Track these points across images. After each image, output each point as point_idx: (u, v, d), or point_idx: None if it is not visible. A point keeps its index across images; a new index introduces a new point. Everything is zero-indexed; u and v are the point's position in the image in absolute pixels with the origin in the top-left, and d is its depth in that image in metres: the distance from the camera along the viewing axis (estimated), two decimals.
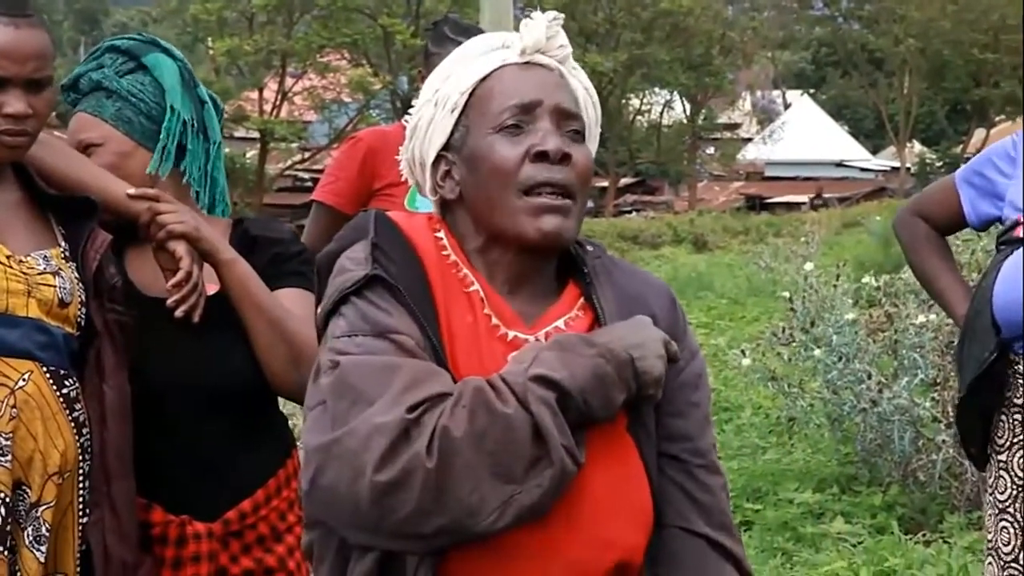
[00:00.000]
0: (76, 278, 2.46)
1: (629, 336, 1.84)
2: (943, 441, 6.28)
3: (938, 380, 6.52)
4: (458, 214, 1.99)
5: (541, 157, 1.90)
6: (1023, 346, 3.14)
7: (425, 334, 1.84)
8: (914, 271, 3.65)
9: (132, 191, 2.55)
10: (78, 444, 2.43)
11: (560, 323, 1.95)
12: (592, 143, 2.03)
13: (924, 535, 5.97)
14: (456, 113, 1.97)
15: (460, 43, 4.16)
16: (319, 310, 1.94)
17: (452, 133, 1.98)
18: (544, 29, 1.99)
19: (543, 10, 2.02)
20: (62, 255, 2.47)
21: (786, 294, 8.32)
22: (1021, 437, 3.15)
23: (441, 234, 1.99)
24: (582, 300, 2.00)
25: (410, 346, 1.81)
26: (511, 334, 1.92)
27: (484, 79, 1.97)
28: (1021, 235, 3.15)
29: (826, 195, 41.85)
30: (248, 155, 38.19)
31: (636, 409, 1.91)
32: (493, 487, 1.72)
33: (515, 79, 1.96)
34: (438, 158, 1.99)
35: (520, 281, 1.96)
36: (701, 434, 2.00)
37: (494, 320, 1.92)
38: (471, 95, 1.97)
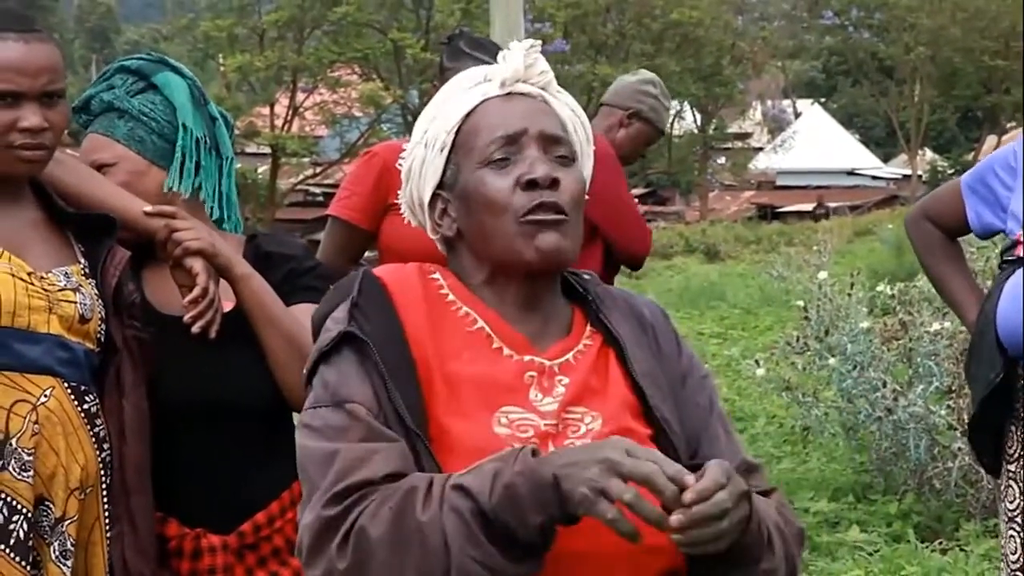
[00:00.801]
0: (96, 294, 2.47)
1: (569, 456, 1.72)
2: (959, 449, 6.27)
3: (953, 388, 6.51)
4: (460, 250, 2.02)
5: (531, 185, 1.93)
6: None
7: (389, 394, 1.85)
8: (927, 275, 3.67)
9: (149, 208, 2.57)
10: (99, 459, 2.45)
11: (570, 357, 1.97)
12: (586, 162, 2.05)
13: (940, 543, 5.96)
14: (445, 152, 2.00)
15: (476, 57, 4.22)
16: (304, 371, 1.97)
17: (444, 172, 2.01)
18: (522, 58, 2.01)
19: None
20: (82, 272, 2.49)
21: (799, 303, 8.31)
22: None
23: (437, 275, 2.01)
24: (589, 326, 2.02)
25: (361, 415, 1.84)
26: (525, 358, 1.94)
27: (468, 115, 2.00)
28: (1022, 254, 3.16)
29: (836, 204, 41.78)
30: (260, 170, 38.24)
31: (657, 419, 1.94)
32: None
33: (498, 112, 1.98)
34: (434, 197, 2.02)
35: (530, 307, 1.98)
36: (732, 445, 2.03)
37: (506, 351, 1.94)
38: (457, 132, 1.99)
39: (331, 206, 4.24)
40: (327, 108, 39.03)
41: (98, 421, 2.46)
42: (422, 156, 2.03)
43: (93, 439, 2.44)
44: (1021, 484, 3.18)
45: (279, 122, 38.97)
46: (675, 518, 1.68)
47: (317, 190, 42.86)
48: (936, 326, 6.77)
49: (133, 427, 2.49)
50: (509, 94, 2.01)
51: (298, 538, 1.84)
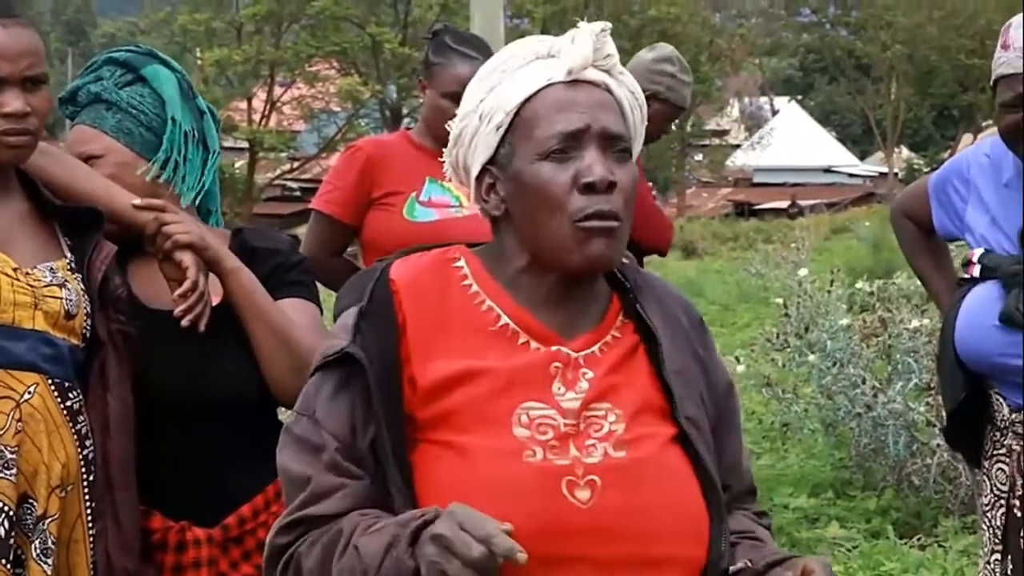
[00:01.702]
0: (82, 289, 2.46)
1: (431, 530, 1.72)
2: (937, 445, 6.30)
3: (932, 385, 6.53)
4: (504, 230, 1.98)
5: (588, 188, 1.89)
6: (993, 380, 3.18)
7: (375, 418, 1.87)
8: (911, 269, 3.73)
9: (138, 201, 2.56)
10: (81, 457, 2.43)
11: (596, 348, 1.96)
12: (637, 144, 2.02)
13: (919, 539, 5.99)
14: (501, 131, 1.95)
15: (462, 53, 4.22)
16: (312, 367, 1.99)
17: (497, 149, 1.96)
18: (591, 45, 1.95)
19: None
20: (68, 266, 2.48)
21: (778, 300, 8.34)
22: (1001, 451, 3.19)
23: (462, 263, 1.99)
24: (622, 316, 2.00)
25: (331, 447, 1.88)
26: (552, 348, 1.92)
27: (529, 99, 1.94)
28: (975, 274, 3.19)
29: (813, 201, 41.90)
30: (237, 165, 38.13)
31: (684, 419, 1.94)
32: None
33: (561, 103, 1.93)
34: (483, 171, 1.98)
35: (565, 299, 1.96)
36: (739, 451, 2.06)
37: (533, 344, 1.93)
38: (516, 115, 1.94)
39: (314, 200, 4.24)
40: (305, 102, 38.95)
41: (80, 418, 2.44)
42: (475, 127, 1.98)
43: (75, 436, 2.43)
44: (993, 483, 3.23)
45: (257, 116, 38.88)
46: None
47: (295, 185, 42.76)
48: (915, 323, 6.80)
49: (118, 421, 2.47)
50: (574, 81, 1.94)
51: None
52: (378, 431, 1.86)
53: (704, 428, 1.96)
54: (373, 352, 1.88)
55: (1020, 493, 3.13)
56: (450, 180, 2.11)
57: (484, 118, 1.96)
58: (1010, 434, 3.14)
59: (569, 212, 1.88)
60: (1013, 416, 3.13)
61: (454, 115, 4.32)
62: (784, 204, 42.35)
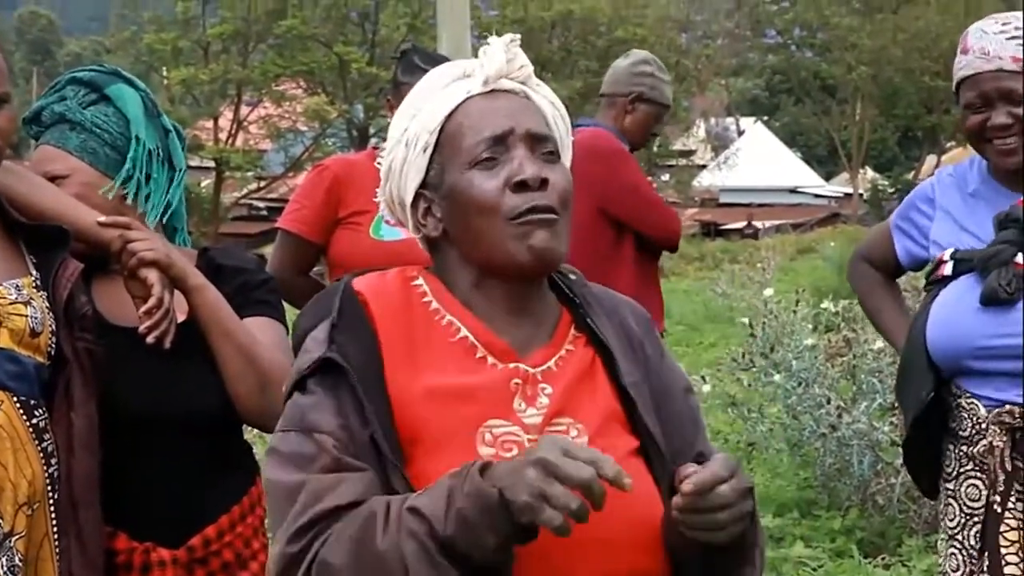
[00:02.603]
0: (47, 307, 2.45)
1: (513, 464, 1.70)
2: (901, 465, 6.31)
3: (896, 405, 6.57)
4: (445, 251, 1.99)
5: (521, 186, 1.90)
6: (965, 381, 3.18)
7: (366, 420, 1.84)
8: (864, 310, 3.75)
9: (103, 219, 2.55)
10: (47, 474, 2.42)
11: (552, 363, 1.95)
12: (566, 155, 2.03)
13: (883, 558, 6.01)
14: (428, 152, 1.97)
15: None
16: (284, 389, 1.95)
17: (427, 171, 1.97)
18: (503, 54, 1.98)
19: (499, 36, 2.03)
20: (33, 284, 2.47)
21: (744, 320, 8.36)
22: (968, 467, 3.18)
23: (420, 281, 1.99)
24: (574, 330, 2.01)
25: (327, 446, 1.83)
26: (510, 365, 1.92)
27: (451, 115, 1.96)
28: (945, 273, 3.20)
29: (779, 221, 42.06)
30: (203, 184, 38.06)
31: (644, 431, 1.94)
32: None
33: (482, 111, 1.95)
34: (417, 196, 1.99)
35: (519, 311, 1.96)
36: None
37: (490, 359, 1.92)
38: (440, 132, 1.96)
39: (281, 219, 4.24)
40: (272, 122, 38.91)
41: (46, 436, 2.43)
42: (403, 155, 1.99)
43: (41, 454, 2.42)
44: (960, 502, 3.21)
45: (223, 136, 38.81)
46: (674, 501, 1.73)
47: (261, 204, 42.70)
48: (880, 343, 6.83)
49: (82, 440, 2.46)
50: (492, 91, 1.98)
51: (267, 571, 1.87)
52: (374, 431, 1.83)
53: (661, 443, 1.95)
54: (354, 358, 1.87)
55: (1002, 489, 3.11)
56: (370, 208, 2.11)
57: (410, 144, 1.98)
58: (991, 430, 3.11)
59: (504, 212, 1.90)
60: (993, 412, 3.12)
61: None
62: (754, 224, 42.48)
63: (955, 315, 3.13)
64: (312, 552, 1.77)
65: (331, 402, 1.87)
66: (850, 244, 22.60)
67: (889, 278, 3.59)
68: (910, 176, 48.79)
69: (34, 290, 2.46)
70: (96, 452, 2.49)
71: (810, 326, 8.09)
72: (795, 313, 7.74)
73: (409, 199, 2.00)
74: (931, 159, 47.46)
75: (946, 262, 3.20)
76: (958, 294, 3.14)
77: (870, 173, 52.37)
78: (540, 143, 1.95)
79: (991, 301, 3.07)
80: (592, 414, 1.94)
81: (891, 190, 49.29)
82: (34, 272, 2.49)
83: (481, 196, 1.91)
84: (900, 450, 6.20)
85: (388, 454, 1.83)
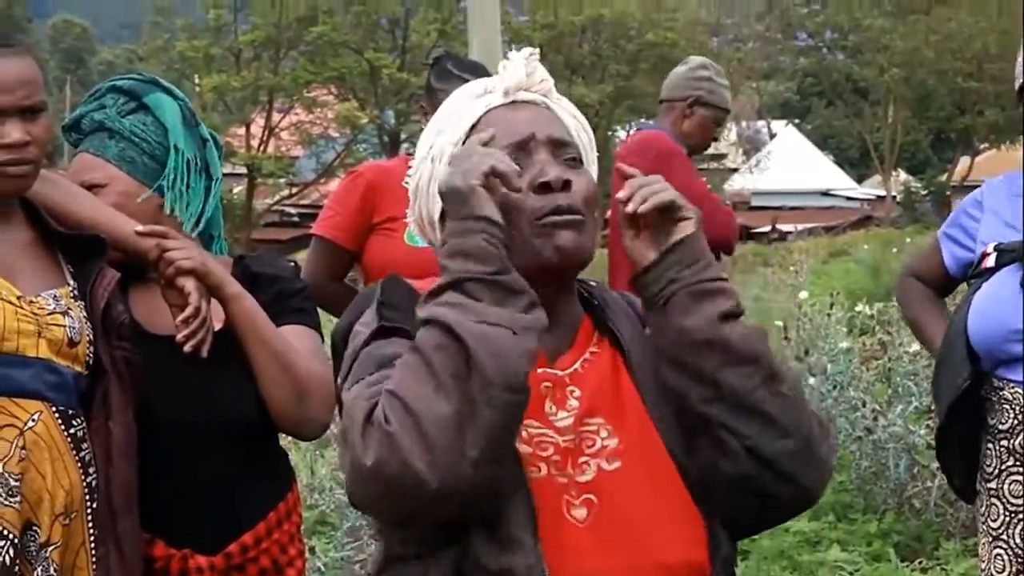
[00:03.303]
0: (84, 317, 2.46)
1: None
2: (938, 468, 6.28)
3: (932, 407, 6.53)
4: None
5: (544, 188, 1.91)
6: (1006, 370, 3.16)
7: None
8: (910, 326, 3.74)
9: (141, 228, 2.56)
10: (84, 484, 2.43)
11: (578, 366, 1.97)
12: (592, 167, 2.04)
13: (920, 562, 5.98)
14: None
15: (465, 79, 4.25)
16: (338, 380, 1.94)
17: None
18: (523, 67, 2.01)
19: (531, 42, 2.04)
20: (71, 294, 2.48)
21: (778, 323, 8.34)
22: (1009, 463, 3.17)
23: None
24: (597, 333, 2.02)
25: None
26: (539, 370, 1.91)
27: (474, 127, 1.99)
28: (989, 265, 3.19)
29: (811, 225, 41.90)
30: (235, 191, 38.21)
31: (657, 423, 1.94)
32: (446, 400, 1.72)
33: (504, 120, 1.98)
34: (443, 213, 1.95)
35: (549, 315, 1.93)
36: None
37: None
38: (463, 144, 1.98)
39: (315, 225, 4.25)
40: (303, 128, 39.05)
41: (84, 445, 2.44)
42: (429, 172, 2.01)
43: (79, 464, 2.43)
44: (1003, 500, 3.19)
45: (255, 142, 38.94)
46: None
47: (293, 210, 42.81)
48: (915, 346, 6.81)
49: (120, 448, 2.47)
50: (513, 102, 2.01)
51: (343, 422, 1.80)
52: None
53: (673, 433, 1.95)
54: (409, 327, 1.86)
55: None
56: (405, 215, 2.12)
57: (435, 160, 2.00)
58: None
59: (528, 214, 1.90)
60: None
61: None
62: (783, 228, 42.36)
63: (996, 301, 3.13)
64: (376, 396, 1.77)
65: (403, 340, 1.85)
66: (883, 247, 22.53)
67: (937, 293, 3.57)
68: (943, 178, 48.57)
69: (72, 300, 2.47)
70: (134, 461, 2.50)
71: (845, 329, 8.06)
72: (829, 316, 7.71)
73: (437, 215, 1.99)
74: (964, 161, 47.25)
75: (989, 254, 3.20)
76: (999, 282, 3.14)
77: (903, 175, 52.12)
78: (561, 148, 1.98)
79: None
80: (619, 412, 1.95)
81: (924, 192, 49.03)
82: (72, 282, 2.50)
83: (506, 201, 1.90)
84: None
85: None
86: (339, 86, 38.82)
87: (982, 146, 47.39)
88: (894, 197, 47.85)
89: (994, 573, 3.22)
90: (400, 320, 1.88)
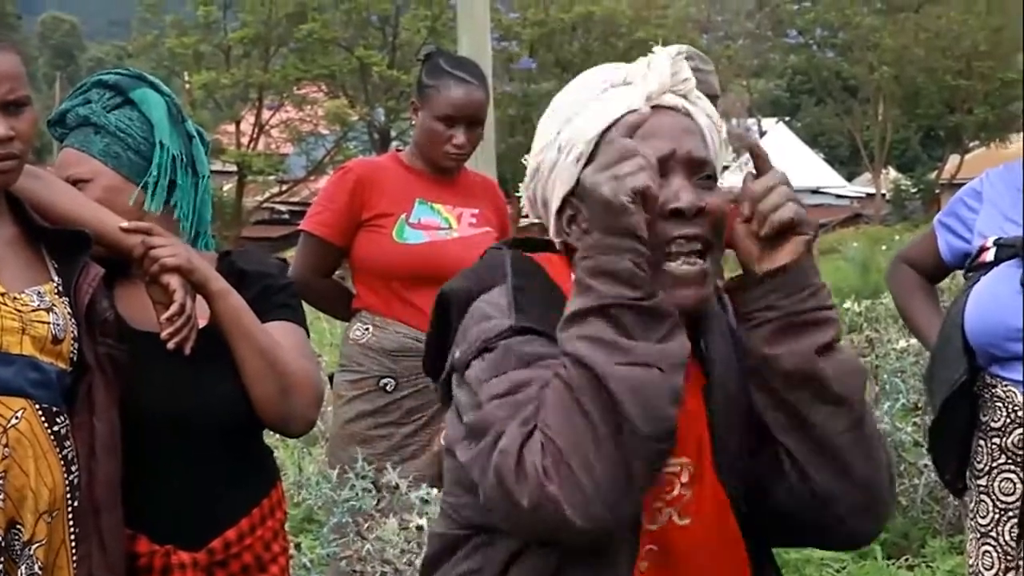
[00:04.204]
0: (69, 313, 2.45)
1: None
2: (924, 466, 6.30)
3: (919, 405, 6.55)
4: None
5: (676, 215, 1.84)
6: (1000, 368, 3.17)
7: None
8: (900, 312, 3.72)
9: (125, 225, 2.56)
10: (67, 482, 2.43)
11: None
12: (721, 172, 1.99)
13: (907, 559, 5.99)
14: (582, 163, 1.90)
15: (456, 76, 4.28)
16: (456, 353, 1.88)
17: (578, 180, 1.89)
18: (669, 68, 1.93)
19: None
20: (55, 290, 2.47)
21: None
22: (1001, 461, 3.17)
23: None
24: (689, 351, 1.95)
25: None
26: None
27: (609, 127, 1.90)
28: (988, 259, 3.19)
29: None
30: (225, 188, 38.16)
31: (723, 467, 1.90)
32: (599, 448, 1.68)
33: (643, 130, 1.87)
34: (563, 203, 1.94)
35: None
36: None
37: None
38: (596, 144, 1.90)
39: (304, 221, 4.26)
40: (293, 125, 39.02)
41: (67, 443, 2.43)
42: (554, 159, 1.94)
43: (61, 462, 2.42)
44: (993, 498, 3.19)
45: (245, 140, 38.90)
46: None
47: (283, 208, 42.75)
48: (902, 343, 6.83)
49: (104, 444, 2.47)
50: (654, 107, 1.91)
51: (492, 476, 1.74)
52: None
53: (735, 461, 1.92)
54: (545, 322, 1.82)
55: None
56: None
57: (563, 150, 1.92)
58: None
59: (653, 237, 1.82)
60: None
61: (447, 137, 4.35)
62: None
63: (994, 298, 3.13)
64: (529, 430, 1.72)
65: (545, 345, 1.81)
66: (873, 244, 22.55)
67: (927, 280, 3.57)
68: (933, 176, 48.61)
69: (56, 296, 2.46)
70: (118, 457, 2.50)
71: None
72: None
73: (555, 205, 1.95)
74: (954, 159, 47.29)
75: (988, 248, 3.20)
76: (999, 278, 3.14)
77: (893, 173, 52.18)
78: (699, 168, 1.90)
79: None
80: (697, 453, 1.90)
81: (914, 190, 49.09)
82: (56, 278, 2.50)
83: None
84: (923, 451, 6.22)
85: None
86: (329, 83, 38.79)
87: (972, 144, 47.43)
88: (884, 195, 47.89)
89: (982, 570, 3.22)
90: (538, 322, 1.82)
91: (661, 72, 1.92)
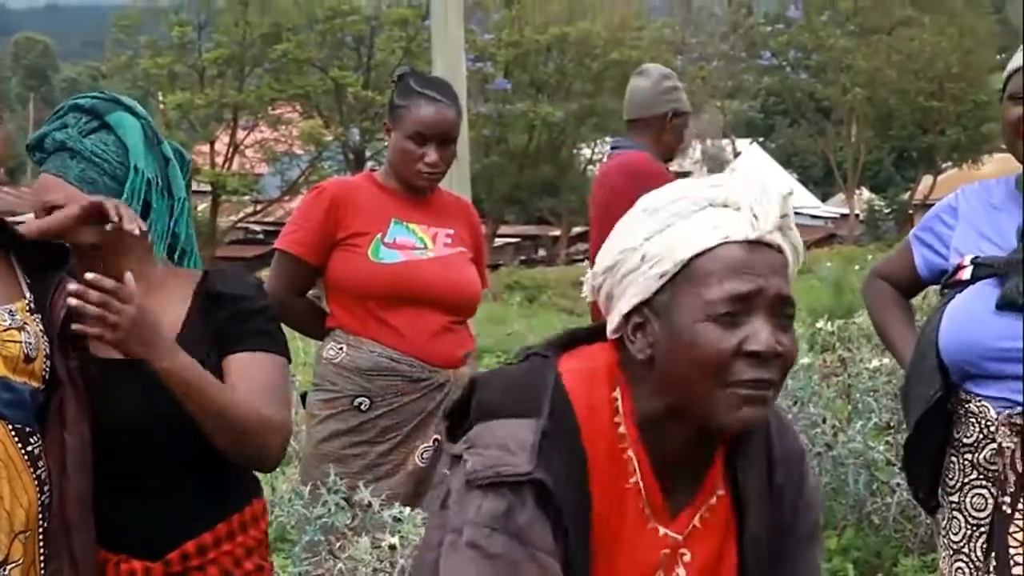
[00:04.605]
0: (40, 331, 2.45)
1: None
2: (897, 484, 6.32)
3: (891, 424, 6.57)
4: (642, 373, 1.89)
5: (753, 356, 1.81)
6: (974, 384, 3.18)
7: (566, 546, 1.81)
8: (875, 327, 3.72)
9: (90, 276, 2.41)
10: (39, 502, 2.42)
11: (696, 520, 1.92)
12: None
13: None
14: (666, 279, 1.86)
15: (428, 96, 4.30)
16: (467, 461, 1.85)
17: (655, 293, 1.87)
18: (779, 211, 1.88)
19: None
20: (27, 308, 2.46)
21: None
22: (972, 476, 3.18)
23: (617, 394, 1.92)
24: (722, 475, 1.96)
25: (547, 564, 1.78)
26: (661, 531, 1.89)
27: (702, 253, 1.85)
28: (965, 277, 3.21)
29: None
30: (200, 208, 38.08)
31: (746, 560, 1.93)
32: None
33: (736, 265, 1.84)
34: (634, 310, 1.89)
35: (689, 452, 1.89)
36: None
37: (650, 519, 1.89)
38: (684, 265, 1.85)
39: (278, 239, 4.26)
40: (268, 146, 38.98)
41: (40, 463, 2.42)
42: (634, 266, 1.89)
43: (35, 482, 2.41)
44: (965, 514, 3.20)
45: (220, 160, 38.85)
46: None
47: (258, 228, 42.70)
48: (875, 363, 6.84)
49: (76, 460, 2.45)
50: (752, 242, 1.86)
51: None
52: (572, 566, 1.81)
53: None
54: (561, 478, 1.81)
55: (1012, 490, 3.11)
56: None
57: (647, 260, 1.87)
58: (1001, 431, 3.11)
59: (726, 377, 1.80)
60: (1003, 416, 3.12)
61: (419, 156, 4.35)
62: None
63: (970, 317, 3.14)
64: None
65: (545, 519, 1.80)
66: (846, 264, 22.61)
67: (903, 295, 3.58)
68: (906, 196, 48.84)
69: (28, 314, 2.45)
70: (89, 473, 2.49)
71: (806, 345, 8.09)
72: None
73: (625, 308, 1.89)
74: (927, 180, 47.51)
75: (965, 267, 3.21)
76: (975, 297, 3.15)
77: (866, 194, 52.40)
78: (782, 306, 1.87)
79: (1009, 306, 3.08)
80: None
81: (887, 210, 49.30)
82: (28, 294, 2.49)
83: (709, 354, 1.81)
84: (896, 469, 6.24)
85: None
86: (304, 104, 38.79)
87: (944, 165, 47.68)
88: (857, 215, 48.09)
89: None
90: (553, 475, 1.81)
91: (771, 211, 1.87)
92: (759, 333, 1.81)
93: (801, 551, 2.02)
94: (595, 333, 1.99)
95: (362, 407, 4.11)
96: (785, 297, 1.85)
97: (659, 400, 1.87)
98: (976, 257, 3.20)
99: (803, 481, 2.01)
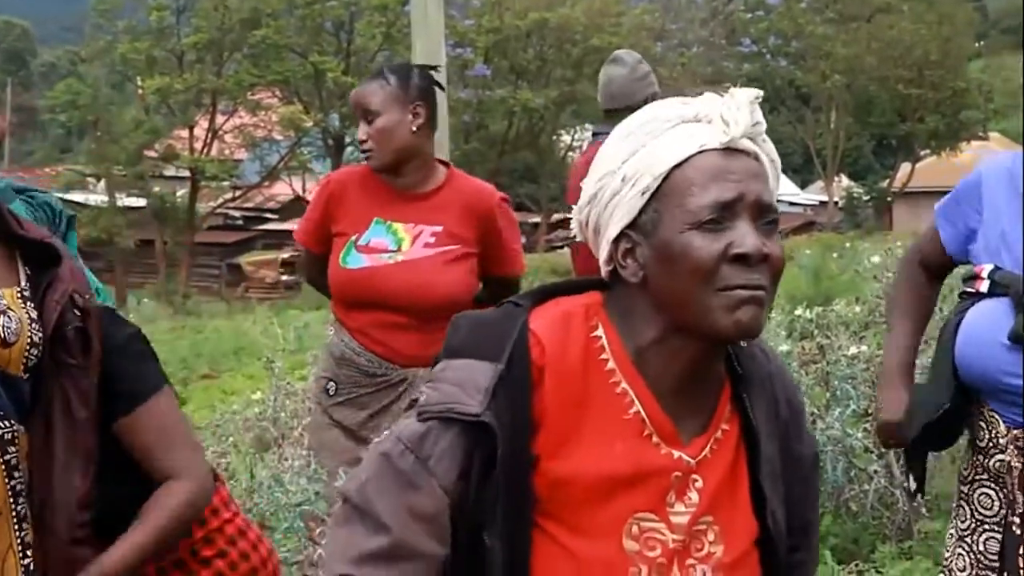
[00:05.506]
0: (29, 319, 2.42)
1: None
2: (875, 471, 6.35)
3: (869, 411, 6.59)
4: (636, 297, 1.90)
5: (740, 259, 1.82)
6: (987, 397, 3.19)
7: (480, 488, 1.84)
8: (886, 317, 3.68)
9: None
10: (9, 487, 2.39)
11: (707, 451, 1.92)
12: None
13: (857, 565, 6.02)
14: (647, 196, 1.87)
15: (375, 74, 4.41)
16: (423, 390, 1.92)
17: (639, 213, 1.88)
18: (749, 113, 1.89)
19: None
20: (17, 295, 2.43)
21: None
22: (982, 476, 3.21)
23: (600, 333, 1.92)
24: (730, 407, 1.97)
25: (437, 496, 1.84)
26: (675, 453, 1.89)
27: (680, 165, 1.86)
28: (981, 289, 3.18)
29: None
30: (179, 193, 37.98)
31: (767, 523, 1.95)
32: None
33: (715, 172, 1.85)
34: (621, 234, 1.90)
35: (692, 379, 1.90)
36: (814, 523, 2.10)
37: (655, 441, 1.89)
38: (664, 179, 1.86)
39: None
40: (247, 131, 38.93)
41: (11, 448, 2.39)
42: (616, 188, 1.90)
43: (3, 466, 2.38)
44: (971, 506, 3.23)
45: (198, 145, 38.77)
46: None
47: (237, 213, 42.62)
48: (853, 350, 6.85)
49: (60, 463, 2.43)
50: (727, 149, 1.87)
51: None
52: (494, 508, 1.83)
53: (782, 528, 1.97)
54: (506, 424, 1.83)
55: (1021, 511, 3.13)
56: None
57: (627, 180, 1.89)
58: (1010, 449, 3.13)
59: (717, 282, 1.82)
60: (1013, 433, 3.13)
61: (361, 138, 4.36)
62: None
63: (984, 340, 3.11)
64: None
65: (461, 456, 1.85)
66: (825, 251, 22.66)
67: (934, 277, 3.52)
68: (885, 184, 49.01)
69: (17, 300, 2.42)
70: (73, 475, 2.45)
71: (784, 332, 8.11)
72: (770, 320, 7.76)
73: (612, 235, 1.91)
74: (905, 167, 47.68)
75: (983, 279, 3.18)
76: (990, 319, 3.11)
77: (845, 181, 52.55)
78: (764, 213, 1.87)
79: (1018, 341, 3.07)
80: (730, 513, 1.93)
81: (866, 198, 49.48)
82: (24, 283, 2.46)
83: (698, 261, 1.83)
84: (874, 456, 6.26)
85: (499, 534, 1.83)
86: (283, 89, 38.75)
87: (923, 152, 47.84)
88: (836, 203, 48.24)
89: (955, 570, 3.27)
90: (503, 409, 1.84)
91: (742, 116, 1.88)
92: (744, 237, 1.83)
93: (812, 482, 2.07)
94: (573, 287, 2.01)
95: (329, 391, 4.25)
96: (766, 204, 1.88)
97: (656, 323, 1.89)
98: (994, 271, 3.17)
99: (800, 415, 2.06)
